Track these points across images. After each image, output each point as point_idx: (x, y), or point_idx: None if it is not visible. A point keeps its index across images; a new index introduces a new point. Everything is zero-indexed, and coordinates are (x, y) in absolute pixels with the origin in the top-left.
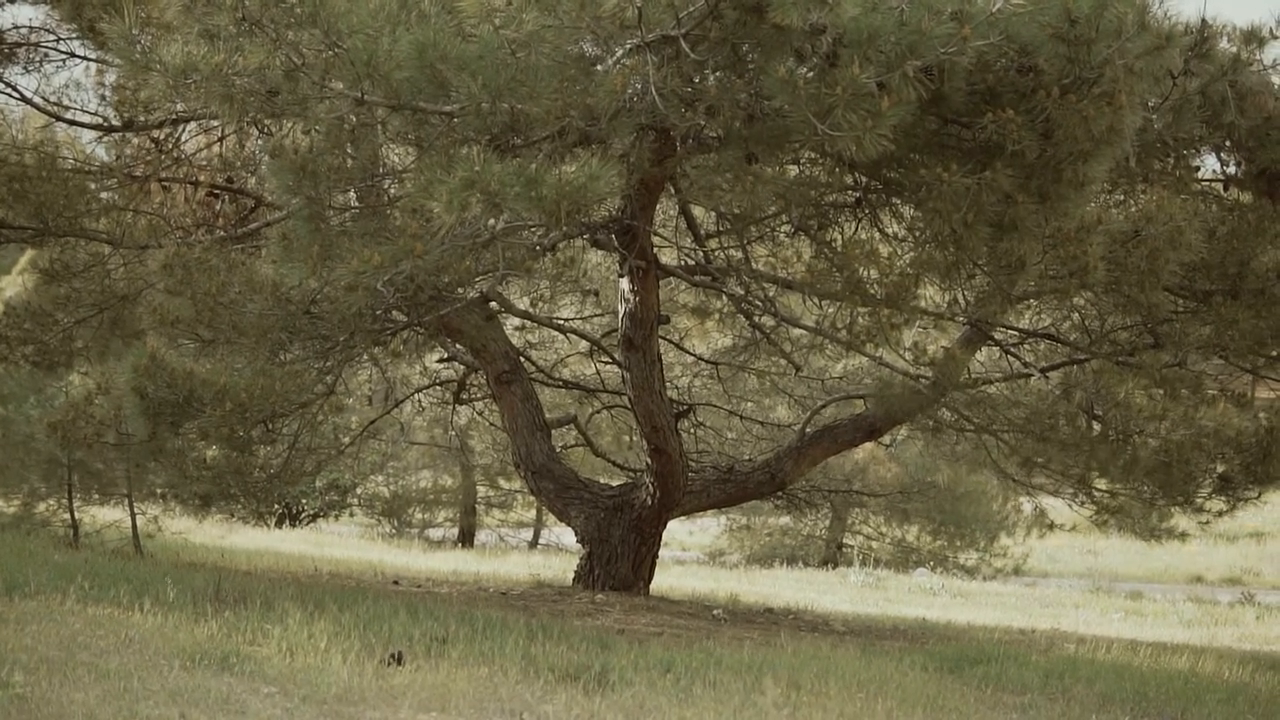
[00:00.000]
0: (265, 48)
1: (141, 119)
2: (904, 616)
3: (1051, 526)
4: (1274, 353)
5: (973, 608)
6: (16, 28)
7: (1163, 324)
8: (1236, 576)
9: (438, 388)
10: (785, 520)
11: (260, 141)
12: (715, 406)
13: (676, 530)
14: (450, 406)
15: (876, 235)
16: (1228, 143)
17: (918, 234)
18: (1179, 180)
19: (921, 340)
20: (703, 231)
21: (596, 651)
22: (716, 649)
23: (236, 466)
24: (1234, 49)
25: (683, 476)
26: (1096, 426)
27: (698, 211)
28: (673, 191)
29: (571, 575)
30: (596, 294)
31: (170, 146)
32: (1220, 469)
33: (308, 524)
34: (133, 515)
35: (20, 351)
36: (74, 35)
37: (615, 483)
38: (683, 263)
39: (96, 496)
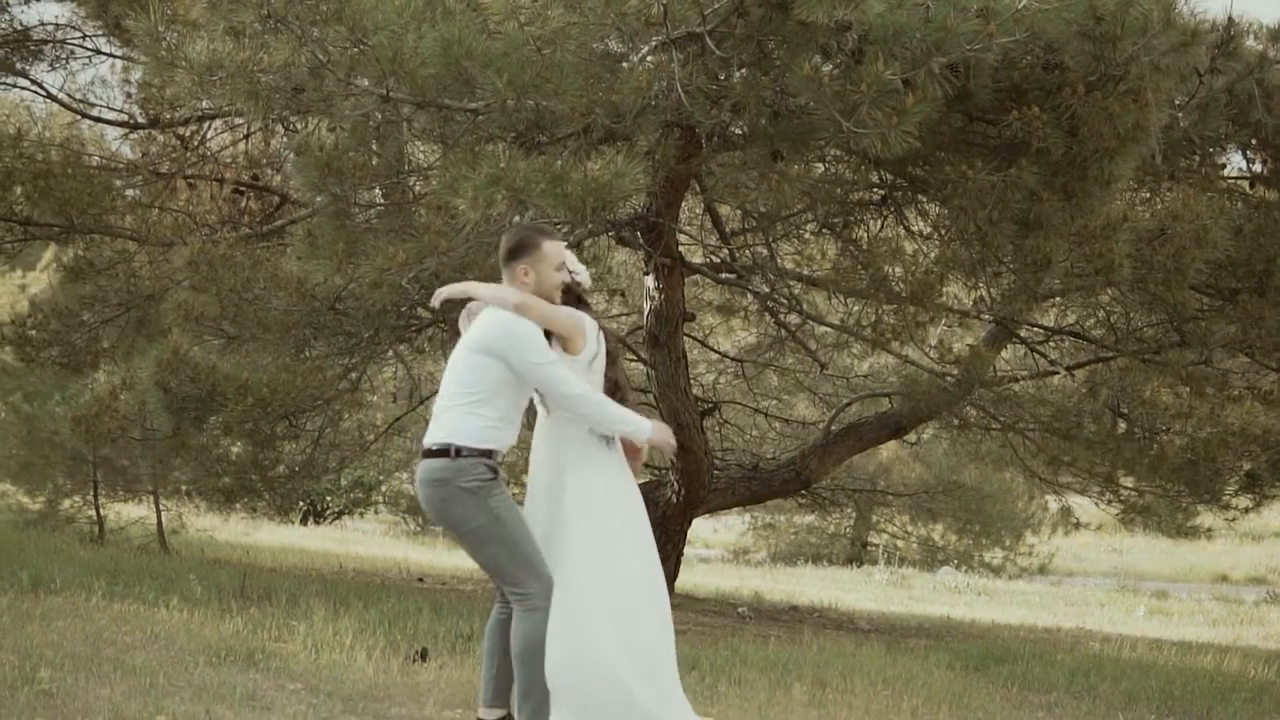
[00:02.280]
0: (290, 45)
1: (167, 116)
2: (929, 615)
3: (1077, 525)
4: None
5: (998, 606)
6: (43, 25)
7: (1189, 322)
8: (1262, 576)
9: None
10: (810, 518)
11: (285, 139)
12: (740, 404)
13: (700, 528)
14: None
15: (902, 233)
16: (1254, 140)
17: (943, 231)
18: (1205, 178)
19: (947, 338)
20: (728, 229)
21: None
22: (742, 646)
23: (259, 462)
24: (1260, 46)
25: (708, 474)
26: (1122, 424)
27: (723, 209)
28: (698, 189)
29: None
30: (622, 292)
31: (196, 144)
32: (1246, 466)
33: (332, 521)
34: (158, 512)
35: (46, 353)
36: (99, 32)
37: (640, 480)
38: (708, 260)
39: (121, 493)
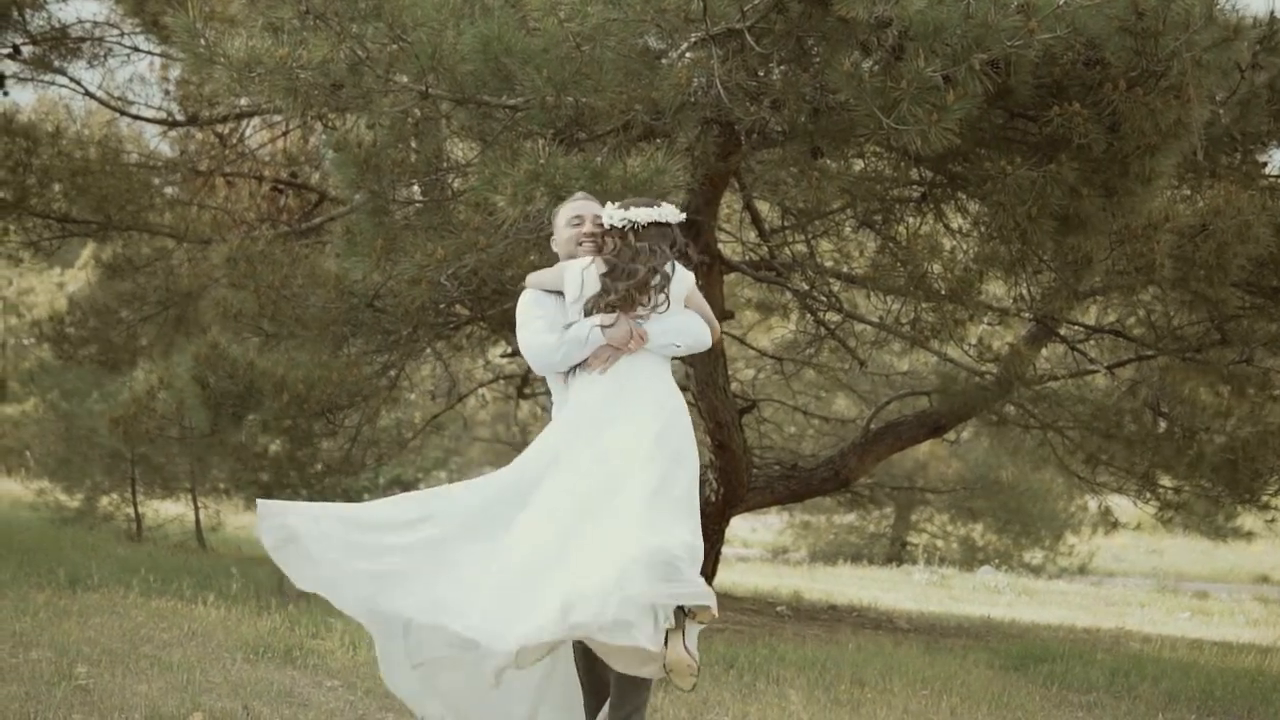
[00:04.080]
0: (329, 41)
1: (205, 113)
2: (968, 615)
3: (1116, 525)
4: None
5: (1037, 606)
6: (80, 22)
7: (1230, 320)
8: None
9: (501, 382)
10: (849, 517)
11: (324, 136)
12: (779, 402)
13: (739, 527)
14: (513, 401)
15: (941, 230)
16: None
17: (983, 228)
18: (1246, 175)
19: (986, 336)
20: (767, 226)
21: None
22: (779, 645)
23: (297, 459)
24: None
25: (746, 473)
26: (1162, 423)
27: (762, 206)
28: (737, 186)
29: None
30: None
31: (234, 141)
32: None
33: None
34: (196, 509)
35: (84, 351)
36: (138, 30)
37: None
38: (747, 258)
39: (159, 491)
